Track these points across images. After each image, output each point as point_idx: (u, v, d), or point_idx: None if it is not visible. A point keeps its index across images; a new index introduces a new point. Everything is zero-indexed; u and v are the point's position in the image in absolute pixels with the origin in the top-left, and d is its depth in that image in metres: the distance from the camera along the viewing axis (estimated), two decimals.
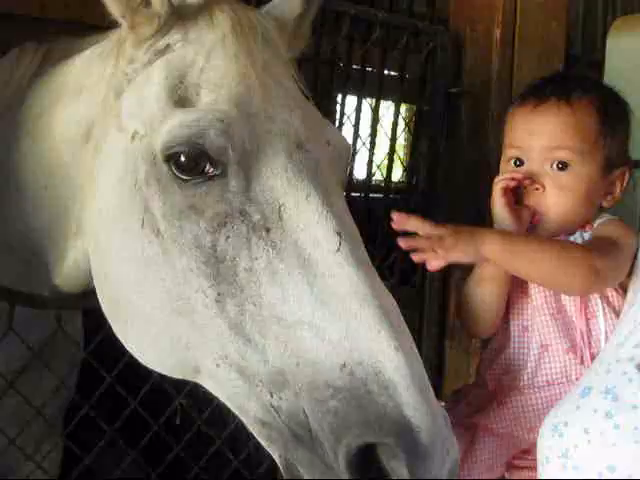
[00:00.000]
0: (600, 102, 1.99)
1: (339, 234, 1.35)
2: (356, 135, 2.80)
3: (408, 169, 3.28)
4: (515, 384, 1.93)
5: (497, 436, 1.92)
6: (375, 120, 2.89)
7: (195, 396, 1.54)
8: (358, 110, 2.86)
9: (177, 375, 1.51)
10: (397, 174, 3.39)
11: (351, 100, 2.94)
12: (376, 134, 2.94)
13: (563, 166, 1.94)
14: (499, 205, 1.94)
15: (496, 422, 1.92)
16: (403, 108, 3.18)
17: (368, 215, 2.70)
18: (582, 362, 1.87)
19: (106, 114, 1.53)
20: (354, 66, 2.81)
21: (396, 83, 2.89)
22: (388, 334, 1.28)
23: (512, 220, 1.91)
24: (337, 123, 2.81)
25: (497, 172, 2.08)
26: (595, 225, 1.99)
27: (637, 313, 1.71)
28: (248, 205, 1.38)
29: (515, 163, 2.02)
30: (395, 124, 2.95)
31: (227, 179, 1.39)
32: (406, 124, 3.10)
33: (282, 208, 1.37)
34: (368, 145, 2.85)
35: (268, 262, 1.34)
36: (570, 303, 1.91)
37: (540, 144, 1.96)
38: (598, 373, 1.66)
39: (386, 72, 2.86)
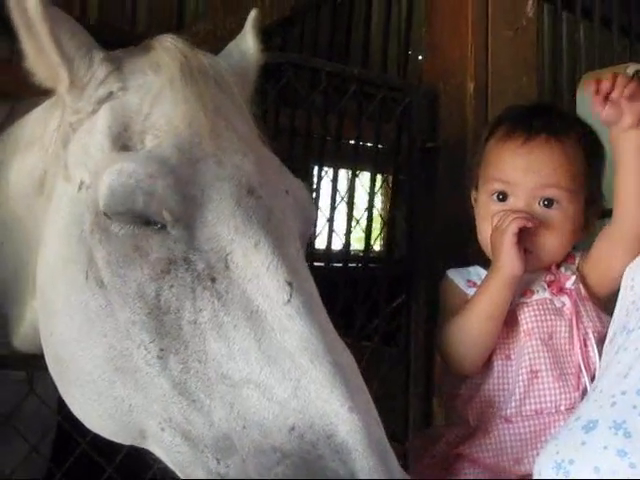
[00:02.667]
0: (585, 139, 1.88)
1: (290, 284, 1.17)
2: (332, 206, 2.70)
3: (386, 236, 3.14)
4: (500, 413, 1.75)
5: (482, 467, 1.72)
6: (352, 190, 2.78)
7: None
8: (334, 181, 2.76)
9: (124, 441, 1.31)
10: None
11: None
12: (353, 205, 2.83)
13: (549, 203, 1.81)
14: (510, 245, 1.74)
15: (481, 451, 1.72)
16: (378, 177, 3.08)
17: (347, 282, 2.58)
18: (574, 392, 1.71)
19: (55, 165, 1.39)
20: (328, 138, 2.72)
21: (371, 152, 2.79)
22: (341, 393, 1.08)
23: (520, 261, 1.74)
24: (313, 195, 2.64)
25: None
26: (577, 260, 1.88)
27: (638, 341, 1.48)
28: (192, 253, 1.21)
29: (498, 197, 1.86)
30: (372, 193, 2.84)
31: (167, 229, 1.23)
32: (379, 190, 2.98)
33: (229, 257, 1.19)
34: (345, 216, 2.73)
35: (213, 314, 1.16)
36: (562, 329, 1.76)
37: (532, 182, 1.81)
38: (602, 406, 1.42)
39: (361, 143, 2.78)
